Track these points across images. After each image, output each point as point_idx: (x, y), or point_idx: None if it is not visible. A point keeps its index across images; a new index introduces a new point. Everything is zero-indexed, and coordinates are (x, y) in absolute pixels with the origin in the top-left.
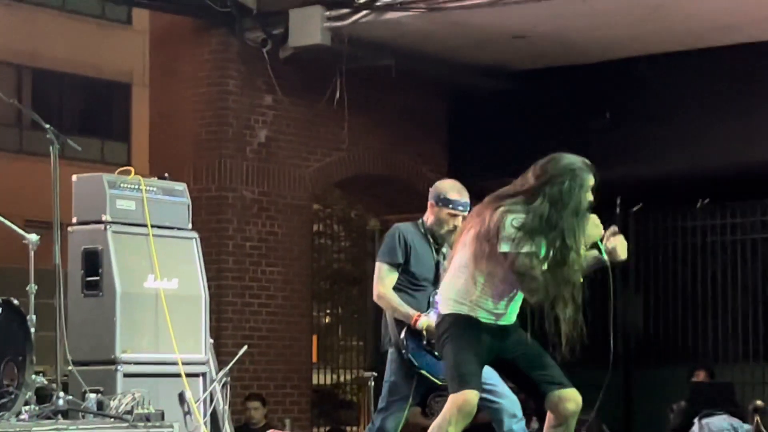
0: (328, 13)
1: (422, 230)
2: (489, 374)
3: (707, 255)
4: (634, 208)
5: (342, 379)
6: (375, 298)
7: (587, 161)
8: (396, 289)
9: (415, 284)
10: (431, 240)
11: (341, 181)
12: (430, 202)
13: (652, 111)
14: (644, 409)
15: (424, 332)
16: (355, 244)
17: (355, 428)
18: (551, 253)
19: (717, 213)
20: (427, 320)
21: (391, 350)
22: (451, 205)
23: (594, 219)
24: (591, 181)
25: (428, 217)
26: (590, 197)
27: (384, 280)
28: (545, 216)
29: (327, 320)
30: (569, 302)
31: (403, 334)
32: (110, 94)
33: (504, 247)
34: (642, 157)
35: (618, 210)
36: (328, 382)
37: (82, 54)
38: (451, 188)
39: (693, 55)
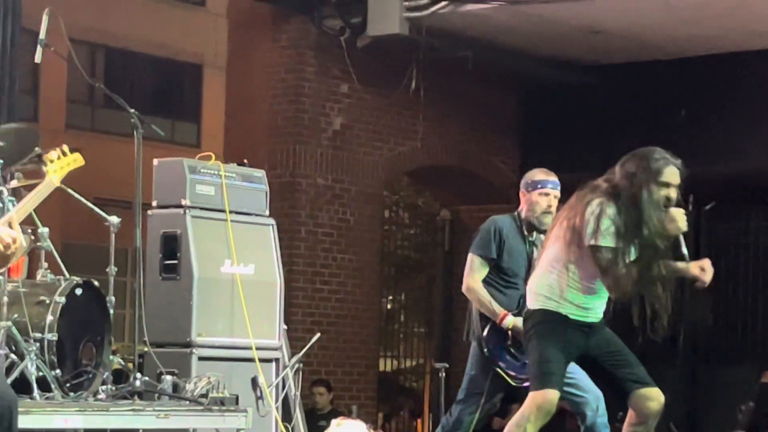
0: (407, 3)
1: (518, 223)
2: (573, 367)
3: None
4: (707, 207)
5: (404, 365)
6: (464, 290)
7: (671, 157)
8: (486, 283)
9: (507, 281)
10: (526, 233)
11: (413, 170)
12: (521, 191)
13: (728, 109)
14: (710, 408)
15: (509, 332)
16: (422, 231)
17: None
18: (637, 249)
19: None
20: (513, 320)
21: (474, 344)
22: (540, 186)
23: (674, 213)
24: (669, 177)
25: (522, 208)
26: (670, 194)
27: (474, 273)
28: (630, 213)
29: (390, 306)
30: (658, 295)
31: (486, 330)
32: (182, 74)
33: (591, 240)
34: (716, 156)
35: (690, 208)
36: (390, 368)
37: (155, 34)
38: (538, 171)
39: None
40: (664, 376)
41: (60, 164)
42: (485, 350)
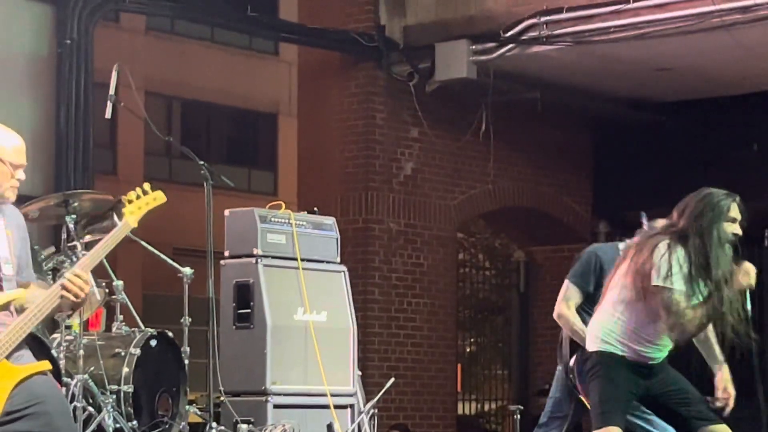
0: (474, 47)
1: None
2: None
3: None
4: None
5: (485, 408)
6: (555, 316)
7: (732, 193)
8: (580, 310)
9: None
10: None
11: (486, 212)
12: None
13: None
14: None
15: None
16: (499, 273)
17: None
18: (703, 290)
19: None
20: None
21: (559, 368)
22: None
23: (748, 267)
24: (735, 213)
25: None
26: (736, 229)
27: (569, 301)
28: (699, 254)
29: (470, 349)
30: (729, 321)
31: (573, 360)
32: (257, 123)
33: (659, 282)
34: None
35: (766, 243)
36: (472, 411)
37: (229, 84)
38: None
39: None
40: (743, 412)
41: (138, 204)
42: (570, 377)
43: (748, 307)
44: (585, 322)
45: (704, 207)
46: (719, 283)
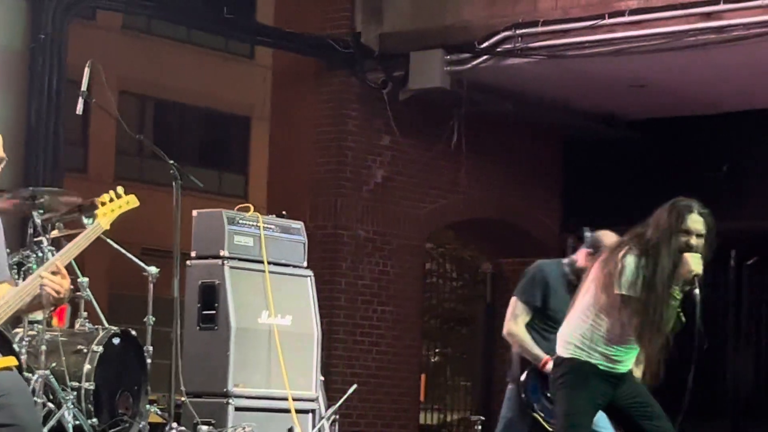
0: (448, 57)
1: (566, 271)
2: (602, 421)
3: None
4: (749, 262)
5: (449, 419)
6: (504, 333)
7: (692, 205)
8: (529, 327)
9: (550, 326)
10: (574, 283)
11: (455, 222)
12: (586, 249)
13: None
14: None
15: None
16: (467, 284)
17: None
18: (649, 296)
19: None
20: None
21: (510, 387)
22: None
23: (686, 257)
24: (692, 222)
25: (580, 261)
26: (691, 240)
27: (517, 318)
28: (651, 262)
29: (435, 359)
30: (657, 339)
31: (525, 375)
32: (230, 126)
33: (618, 289)
34: (758, 211)
35: (732, 263)
36: (435, 421)
37: (203, 86)
38: (610, 239)
39: None
40: (705, 429)
41: (111, 207)
42: (523, 395)
43: (696, 291)
44: (535, 340)
45: (663, 216)
46: (656, 289)
